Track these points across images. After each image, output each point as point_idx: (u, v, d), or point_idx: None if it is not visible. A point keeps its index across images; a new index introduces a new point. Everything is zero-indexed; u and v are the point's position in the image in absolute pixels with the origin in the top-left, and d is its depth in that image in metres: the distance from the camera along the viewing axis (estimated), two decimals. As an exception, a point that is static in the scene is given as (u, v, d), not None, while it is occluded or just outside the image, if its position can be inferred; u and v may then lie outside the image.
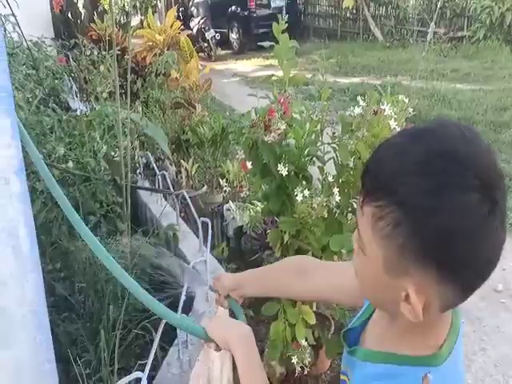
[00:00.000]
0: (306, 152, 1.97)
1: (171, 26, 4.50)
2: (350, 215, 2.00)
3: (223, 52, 12.34)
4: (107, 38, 4.09)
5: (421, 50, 8.26)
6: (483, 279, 0.65)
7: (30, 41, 5.16)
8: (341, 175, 1.90)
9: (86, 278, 2.33)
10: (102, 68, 3.27)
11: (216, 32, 11.69)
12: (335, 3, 13.15)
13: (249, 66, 10.98)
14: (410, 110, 1.81)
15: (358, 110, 1.72)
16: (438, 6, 8.98)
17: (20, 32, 4.24)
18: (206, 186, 4.30)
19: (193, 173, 4.23)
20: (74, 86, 4.61)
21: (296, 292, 1.10)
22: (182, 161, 4.24)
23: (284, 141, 1.91)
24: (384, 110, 1.66)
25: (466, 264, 0.61)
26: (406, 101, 1.82)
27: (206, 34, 11.34)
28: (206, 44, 11.56)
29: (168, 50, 4.24)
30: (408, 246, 0.62)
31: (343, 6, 12.12)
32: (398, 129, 1.72)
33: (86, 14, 7.51)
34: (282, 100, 1.76)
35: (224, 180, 3.44)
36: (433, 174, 0.60)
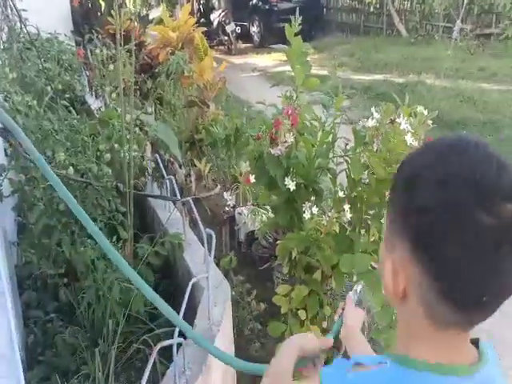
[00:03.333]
0: (316, 164, 1.85)
1: (185, 23, 4.39)
2: (362, 231, 1.88)
3: (243, 46, 12.21)
4: (122, 33, 4.00)
5: (446, 47, 7.99)
6: (474, 295, 0.61)
7: (50, 33, 5.13)
8: (353, 190, 1.78)
9: (87, 285, 2.27)
10: (111, 67, 3.18)
11: (237, 25, 11.55)
12: (359, -3, 12.88)
13: (269, 60, 10.81)
14: (430, 122, 1.68)
15: (371, 123, 1.59)
16: (465, 1, 8.68)
17: (35, 26, 4.20)
18: (219, 187, 4.21)
19: (206, 172, 4.14)
20: (90, 83, 4.55)
21: None
22: (194, 160, 4.15)
23: (293, 152, 1.80)
24: (400, 123, 1.53)
25: (443, 259, 0.60)
26: (425, 112, 1.68)
27: (227, 28, 11.21)
28: (226, 37, 11.44)
29: (182, 47, 4.14)
30: (397, 221, 0.65)
31: (367, 1, 11.85)
32: (416, 143, 1.59)
33: (106, 6, 7.45)
34: (289, 112, 1.64)
35: (234, 185, 3.34)
36: (446, 171, 0.61)
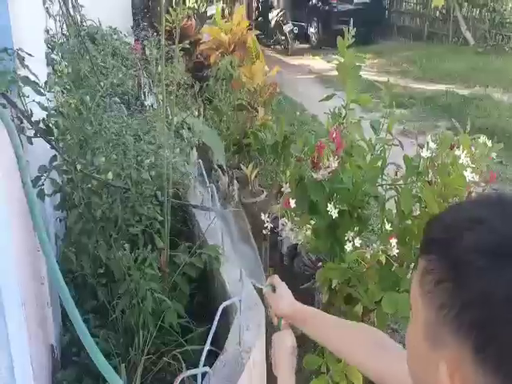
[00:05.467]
0: (362, 189, 1.73)
1: (238, 25, 4.33)
2: (410, 267, 1.74)
3: (300, 46, 12.04)
4: (178, 31, 3.96)
5: (517, 60, 7.50)
6: None
7: (110, 27, 5.20)
8: (401, 222, 1.64)
9: (123, 290, 2.24)
10: (159, 68, 3.17)
11: (294, 25, 11.42)
12: (423, 1, 12.40)
13: (325, 62, 10.61)
14: (494, 155, 1.52)
15: (426, 154, 1.45)
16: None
17: (96, 21, 4.25)
18: (265, 193, 4.13)
19: (252, 177, 4.08)
20: (146, 80, 4.57)
21: (365, 366, 1.00)
22: (241, 164, 4.10)
23: (338, 175, 1.68)
24: (459, 156, 1.39)
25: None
26: (489, 143, 1.52)
27: (284, 27, 11.09)
28: (283, 37, 11.32)
29: (234, 50, 4.08)
30: (447, 309, 0.54)
31: (432, 5, 11.38)
32: (477, 178, 1.44)
33: (165, 2, 7.51)
34: (334, 135, 1.53)
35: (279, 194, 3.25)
36: (495, 234, 0.52)
